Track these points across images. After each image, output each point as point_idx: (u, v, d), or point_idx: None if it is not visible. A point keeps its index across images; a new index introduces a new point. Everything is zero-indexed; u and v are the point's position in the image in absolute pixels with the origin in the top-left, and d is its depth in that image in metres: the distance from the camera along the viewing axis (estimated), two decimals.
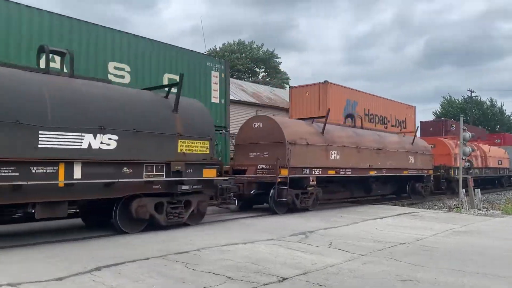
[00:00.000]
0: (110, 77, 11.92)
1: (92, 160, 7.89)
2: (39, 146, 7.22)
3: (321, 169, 13.66)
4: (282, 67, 54.69)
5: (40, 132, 7.23)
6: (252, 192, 12.15)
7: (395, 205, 16.93)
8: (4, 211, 7.97)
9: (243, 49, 51.19)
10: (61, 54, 8.74)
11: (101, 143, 8.03)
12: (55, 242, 7.72)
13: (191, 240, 8.01)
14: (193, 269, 5.94)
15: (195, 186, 9.78)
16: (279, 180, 12.04)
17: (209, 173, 10.08)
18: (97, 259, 6.35)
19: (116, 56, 12.57)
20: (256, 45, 53.27)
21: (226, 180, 10.84)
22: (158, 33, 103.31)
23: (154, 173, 8.97)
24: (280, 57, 52.45)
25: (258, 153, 13.12)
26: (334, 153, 14.29)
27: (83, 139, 7.76)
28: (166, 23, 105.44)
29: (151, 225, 9.07)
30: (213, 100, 15.31)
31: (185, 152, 9.51)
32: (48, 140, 7.34)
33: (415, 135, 19.53)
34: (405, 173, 18.36)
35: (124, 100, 8.61)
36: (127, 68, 12.86)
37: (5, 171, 6.85)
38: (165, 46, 14.09)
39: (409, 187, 19.23)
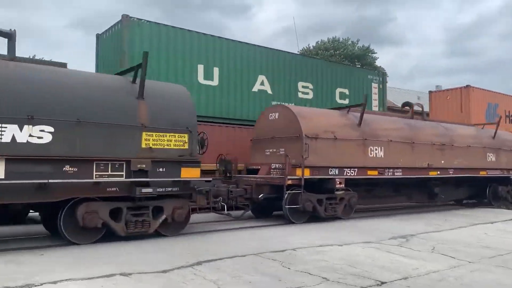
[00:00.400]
0: (300, 95, 15.78)
1: (19, 157, 6.55)
2: None
3: (356, 169, 11.11)
4: (378, 63, 51.25)
5: None
6: (260, 196, 10.07)
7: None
8: None
9: (337, 46, 48.83)
10: (7, 36, 7.57)
11: (30, 136, 6.65)
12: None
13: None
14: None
15: (169, 189, 8.07)
16: (288, 182, 9.82)
17: (190, 173, 8.29)
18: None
19: (303, 77, 15.93)
20: (352, 41, 50.69)
21: (209, 181, 8.96)
22: (253, 36, 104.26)
23: (110, 173, 7.41)
24: (376, 52, 49.68)
25: (274, 150, 10.98)
26: (376, 149, 11.61)
27: (4, 130, 6.45)
28: (260, 26, 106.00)
29: (110, 236, 7.52)
30: (373, 109, 17.53)
31: (153, 147, 7.83)
32: None
33: (497, 127, 15.71)
34: (483, 174, 14.78)
35: (64, 84, 7.16)
36: (311, 86, 16.20)
37: None
38: (337, 65, 18.78)
39: (489, 191, 15.52)
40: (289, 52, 16.18)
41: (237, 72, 14.19)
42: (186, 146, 8.22)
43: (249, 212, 10.84)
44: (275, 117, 11.09)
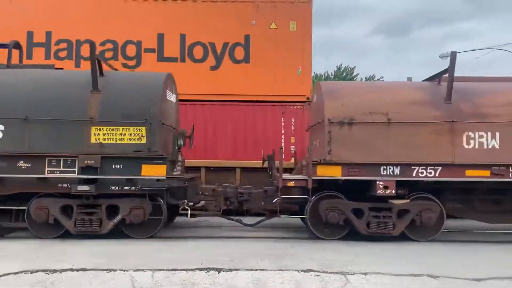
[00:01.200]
0: None
1: None
2: None
3: (440, 167, 7.31)
4: None
5: None
6: (274, 201, 7.84)
7: None
8: None
9: None
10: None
11: None
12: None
13: None
14: None
15: (127, 188, 7.34)
16: (290, 184, 7.28)
17: (153, 171, 7.32)
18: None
19: None
20: None
21: (181, 179, 7.59)
22: None
23: (61, 169, 7.33)
24: None
25: (313, 142, 8.44)
26: (480, 136, 7.34)
27: None
28: None
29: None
30: None
31: (103, 142, 7.28)
32: None
33: None
34: None
35: (14, 84, 7.48)
36: None
37: None
38: None
39: None
40: None
41: None
42: (144, 140, 7.28)
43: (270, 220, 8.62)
44: (314, 97, 8.50)
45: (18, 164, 7.29)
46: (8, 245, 6.93)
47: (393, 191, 7.22)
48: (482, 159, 7.36)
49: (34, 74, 7.82)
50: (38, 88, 7.50)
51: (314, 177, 7.37)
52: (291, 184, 7.46)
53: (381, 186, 7.22)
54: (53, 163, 7.32)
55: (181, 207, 7.75)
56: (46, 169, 7.32)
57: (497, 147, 7.35)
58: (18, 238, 7.57)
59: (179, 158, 8.59)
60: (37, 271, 5.23)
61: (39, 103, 7.36)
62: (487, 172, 7.39)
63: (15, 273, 5.17)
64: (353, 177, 7.34)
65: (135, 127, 7.29)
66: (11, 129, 7.26)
